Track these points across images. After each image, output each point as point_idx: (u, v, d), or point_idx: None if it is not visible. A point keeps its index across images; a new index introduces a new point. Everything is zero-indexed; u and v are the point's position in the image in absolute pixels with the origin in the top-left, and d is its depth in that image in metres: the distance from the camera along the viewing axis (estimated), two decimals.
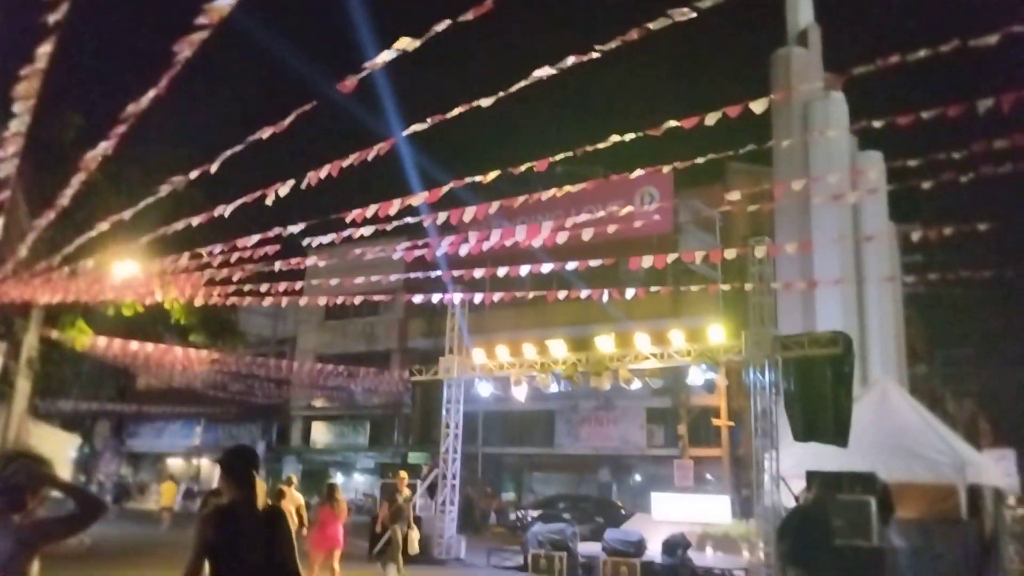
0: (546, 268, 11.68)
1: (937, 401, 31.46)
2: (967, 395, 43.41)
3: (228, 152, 8.37)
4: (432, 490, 17.37)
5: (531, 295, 13.97)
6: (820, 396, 12.77)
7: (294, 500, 12.12)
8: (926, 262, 26.13)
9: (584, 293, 13.44)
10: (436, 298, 14.96)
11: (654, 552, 14.41)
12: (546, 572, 14.62)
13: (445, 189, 8.89)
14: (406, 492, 14.04)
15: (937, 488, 12.99)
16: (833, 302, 20.60)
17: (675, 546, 14.16)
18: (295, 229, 9.80)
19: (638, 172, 9.33)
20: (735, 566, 13.93)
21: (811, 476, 11.36)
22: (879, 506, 11.51)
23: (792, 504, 12.80)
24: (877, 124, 7.96)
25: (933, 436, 14.23)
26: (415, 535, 14.07)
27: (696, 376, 15.18)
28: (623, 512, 23.20)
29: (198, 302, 13.63)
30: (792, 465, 13.23)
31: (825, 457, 12.69)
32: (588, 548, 15.50)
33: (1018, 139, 7.80)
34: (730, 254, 13.43)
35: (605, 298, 13.09)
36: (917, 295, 29.07)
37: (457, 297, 16.86)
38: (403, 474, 14.50)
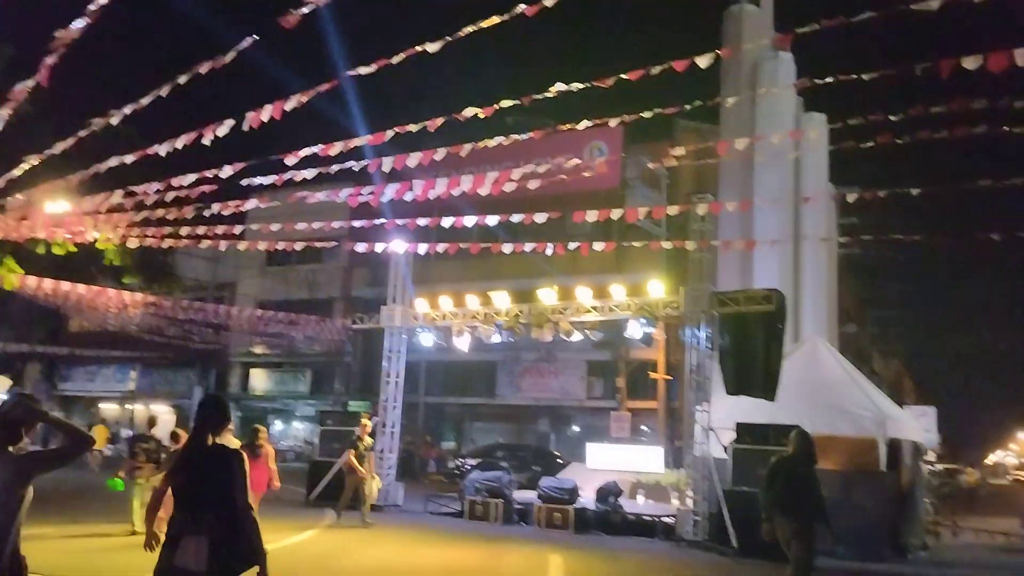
0: (492, 220, 11.68)
1: (865, 359, 32.64)
2: (894, 354, 45.18)
3: (164, 87, 8.11)
4: (372, 438, 17.43)
5: (477, 247, 13.99)
6: (752, 351, 13.12)
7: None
8: (862, 225, 26.80)
9: (528, 246, 13.51)
10: (380, 247, 14.85)
11: (587, 499, 14.81)
12: (482, 518, 14.92)
13: (390, 134, 8.78)
14: (368, 440, 14.05)
15: (859, 441, 13.51)
16: (771, 260, 21.06)
17: (607, 493, 14.58)
18: (232, 169, 9.56)
19: (586, 124, 9.35)
20: (664, 513, 14.41)
21: (779, 430, 11.90)
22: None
23: (722, 454, 13.27)
24: (820, 82, 8.10)
25: (857, 392, 14.78)
26: (376, 484, 14.18)
27: (635, 330, 15.46)
28: (560, 461, 23.66)
29: (132, 243, 13.28)
30: (723, 417, 13.64)
31: (754, 410, 13.13)
32: (524, 495, 15.83)
33: (954, 105, 8.02)
34: (673, 211, 13.63)
35: (549, 251, 13.18)
36: (851, 257, 29.90)
37: (401, 247, 16.75)
38: (366, 421, 14.49)
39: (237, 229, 12.79)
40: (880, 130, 8.73)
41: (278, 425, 37.79)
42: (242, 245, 14.11)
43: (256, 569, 4.00)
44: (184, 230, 12.61)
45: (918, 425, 16.85)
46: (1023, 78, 7.28)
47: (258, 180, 10.02)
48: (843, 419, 13.71)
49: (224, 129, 8.53)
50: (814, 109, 23.36)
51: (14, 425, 3.63)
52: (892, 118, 8.20)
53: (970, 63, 6.94)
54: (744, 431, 12.90)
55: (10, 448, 3.59)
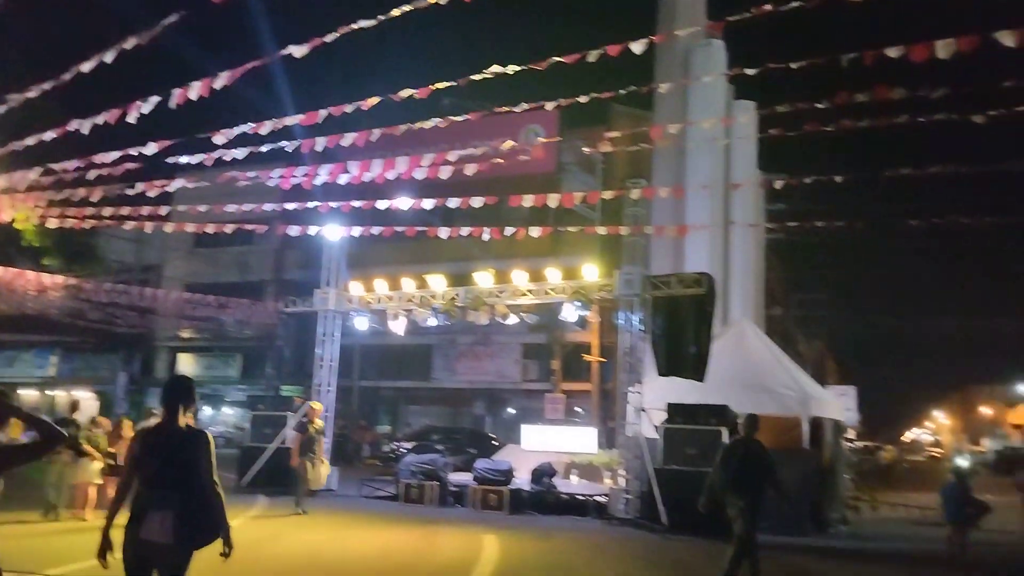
0: (428, 204, 11.61)
1: (790, 341, 33.59)
2: (818, 336, 46.63)
3: (87, 63, 7.81)
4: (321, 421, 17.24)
5: (413, 231, 13.88)
6: (683, 334, 13.40)
7: None
8: (789, 211, 27.48)
9: (465, 230, 13.48)
10: (313, 230, 14.61)
11: (522, 480, 14.95)
12: (417, 500, 14.93)
13: (324, 114, 8.64)
14: (319, 423, 13.83)
15: (783, 420, 13.94)
16: (701, 245, 21.43)
17: (542, 474, 14.76)
18: (157, 146, 9.27)
19: (523, 106, 9.38)
20: (597, 492, 14.66)
21: (709, 410, 12.47)
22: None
23: (653, 434, 13.54)
24: (750, 72, 8.29)
25: (782, 373, 15.25)
26: (325, 470, 13.97)
27: (570, 313, 15.60)
28: (495, 443, 23.80)
29: (52, 223, 12.78)
30: (655, 398, 13.91)
31: (685, 391, 13.42)
32: (459, 477, 15.88)
33: (879, 94, 8.29)
34: (608, 195, 13.80)
35: (486, 236, 13.19)
36: (778, 241, 30.68)
37: (335, 230, 16.51)
38: (317, 406, 14.26)
39: (163, 210, 12.44)
40: (808, 118, 8.98)
41: (207, 411, 36.97)
42: (168, 227, 13.71)
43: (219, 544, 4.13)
44: (107, 210, 12.19)
45: (839, 404, 17.43)
46: (947, 68, 7.58)
47: (185, 159, 9.74)
48: (768, 399, 14.11)
49: (149, 106, 8.26)
50: (745, 97, 23.79)
51: None
52: (819, 106, 8.44)
53: (893, 53, 7.19)
54: (675, 411, 13.19)
55: None
